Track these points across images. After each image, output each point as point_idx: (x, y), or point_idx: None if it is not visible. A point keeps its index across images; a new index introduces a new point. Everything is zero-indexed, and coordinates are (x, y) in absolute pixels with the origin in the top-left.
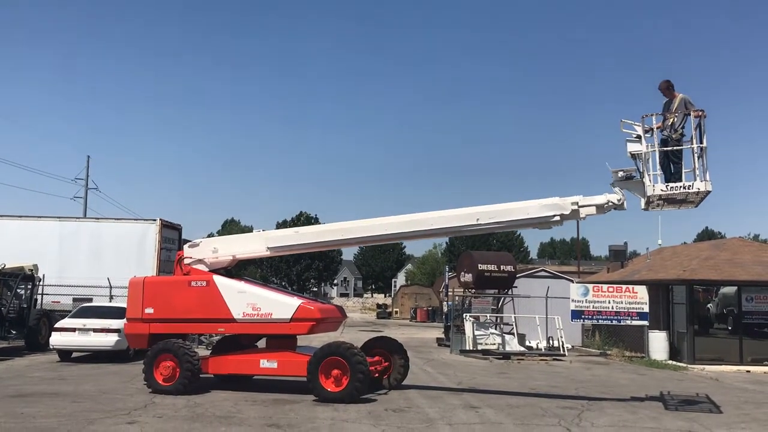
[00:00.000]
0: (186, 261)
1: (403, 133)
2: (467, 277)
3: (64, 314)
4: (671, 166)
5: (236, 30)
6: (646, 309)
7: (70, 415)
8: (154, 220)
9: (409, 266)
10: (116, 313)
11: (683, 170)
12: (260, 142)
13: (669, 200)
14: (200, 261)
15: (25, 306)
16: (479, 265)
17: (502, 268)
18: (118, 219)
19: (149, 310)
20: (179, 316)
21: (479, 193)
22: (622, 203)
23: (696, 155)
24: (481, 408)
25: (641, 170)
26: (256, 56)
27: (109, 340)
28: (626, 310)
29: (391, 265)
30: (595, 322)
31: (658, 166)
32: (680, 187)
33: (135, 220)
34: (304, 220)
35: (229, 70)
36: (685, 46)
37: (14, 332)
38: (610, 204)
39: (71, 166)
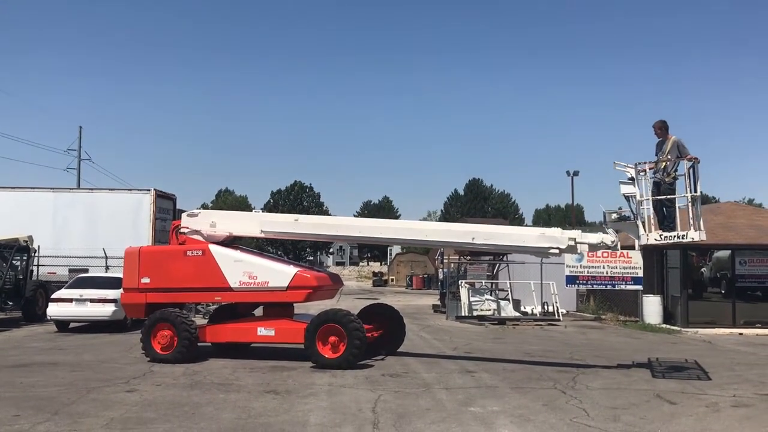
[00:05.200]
0: (183, 230)
1: (398, 103)
2: None
3: (60, 285)
4: (664, 210)
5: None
6: (641, 274)
7: (70, 384)
8: (149, 190)
9: None
10: (113, 283)
11: (677, 210)
12: (254, 111)
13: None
14: (197, 232)
15: (21, 277)
16: None
17: None
18: (112, 189)
19: (146, 280)
20: (176, 285)
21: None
22: (616, 245)
23: (689, 203)
24: (477, 372)
25: (635, 213)
26: (250, 31)
27: (106, 311)
28: (621, 275)
29: None
30: (589, 287)
31: (651, 210)
32: (674, 236)
33: (129, 190)
34: (298, 189)
35: (222, 40)
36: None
37: (11, 303)
38: (603, 244)
39: (63, 137)
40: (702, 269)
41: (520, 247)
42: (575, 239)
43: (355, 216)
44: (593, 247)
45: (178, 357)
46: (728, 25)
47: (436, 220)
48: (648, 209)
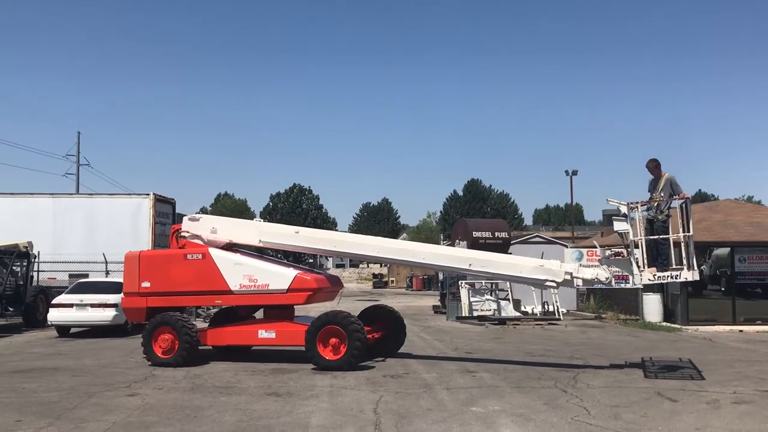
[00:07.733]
0: (183, 235)
1: (397, 104)
2: (462, 245)
3: (60, 290)
4: (657, 247)
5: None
6: None
7: (71, 389)
8: (147, 194)
9: (404, 235)
10: (113, 287)
11: (671, 248)
12: (253, 113)
13: None
14: (197, 236)
15: (21, 283)
16: (474, 232)
17: (496, 235)
18: (111, 194)
19: (146, 284)
20: (176, 289)
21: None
22: (610, 282)
23: (682, 243)
24: (477, 372)
25: (629, 249)
26: (249, 33)
27: (106, 315)
28: (620, 274)
29: (386, 235)
30: (589, 285)
31: (645, 248)
32: (667, 276)
33: (128, 195)
34: (297, 192)
35: (221, 43)
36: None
37: (11, 309)
38: (597, 280)
39: (62, 142)
40: (701, 267)
41: (516, 277)
42: (572, 273)
43: (354, 218)
44: (587, 282)
45: (180, 360)
46: (729, 22)
47: (436, 221)
48: (641, 243)
